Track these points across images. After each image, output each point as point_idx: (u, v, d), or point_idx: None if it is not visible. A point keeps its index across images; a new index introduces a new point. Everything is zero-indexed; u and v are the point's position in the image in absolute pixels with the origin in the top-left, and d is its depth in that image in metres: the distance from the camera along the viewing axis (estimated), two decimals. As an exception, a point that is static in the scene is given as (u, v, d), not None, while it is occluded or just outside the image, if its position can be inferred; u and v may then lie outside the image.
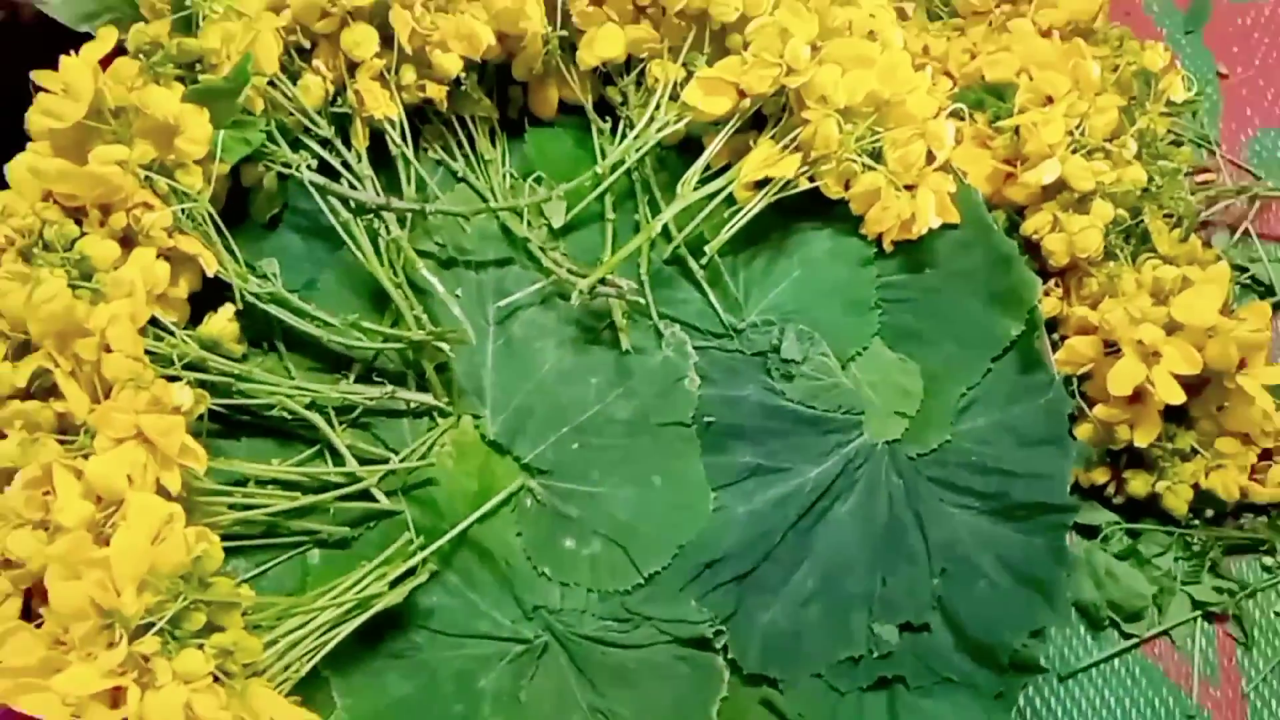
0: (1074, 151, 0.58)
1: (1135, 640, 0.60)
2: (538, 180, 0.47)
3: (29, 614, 0.37)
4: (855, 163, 0.44)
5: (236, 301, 0.42)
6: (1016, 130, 0.58)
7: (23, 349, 0.40)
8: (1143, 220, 0.60)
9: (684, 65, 0.46)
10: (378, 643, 0.41)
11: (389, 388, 0.43)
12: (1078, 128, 0.58)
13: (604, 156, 0.46)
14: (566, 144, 0.48)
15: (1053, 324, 0.59)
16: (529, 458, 0.43)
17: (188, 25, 0.43)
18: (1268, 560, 0.61)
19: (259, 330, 0.44)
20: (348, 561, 0.42)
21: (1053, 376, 0.46)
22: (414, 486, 0.43)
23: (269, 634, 0.38)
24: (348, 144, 0.45)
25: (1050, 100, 0.58)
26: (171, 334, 0.41)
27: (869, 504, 0.43)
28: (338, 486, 0.42)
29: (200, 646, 0.36)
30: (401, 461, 0.43)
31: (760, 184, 0.44)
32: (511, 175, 0.47)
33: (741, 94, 0.44)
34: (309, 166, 0.44)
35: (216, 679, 0.36)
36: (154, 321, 0.41)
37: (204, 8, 0.43)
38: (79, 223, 0.41)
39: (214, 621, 0.37)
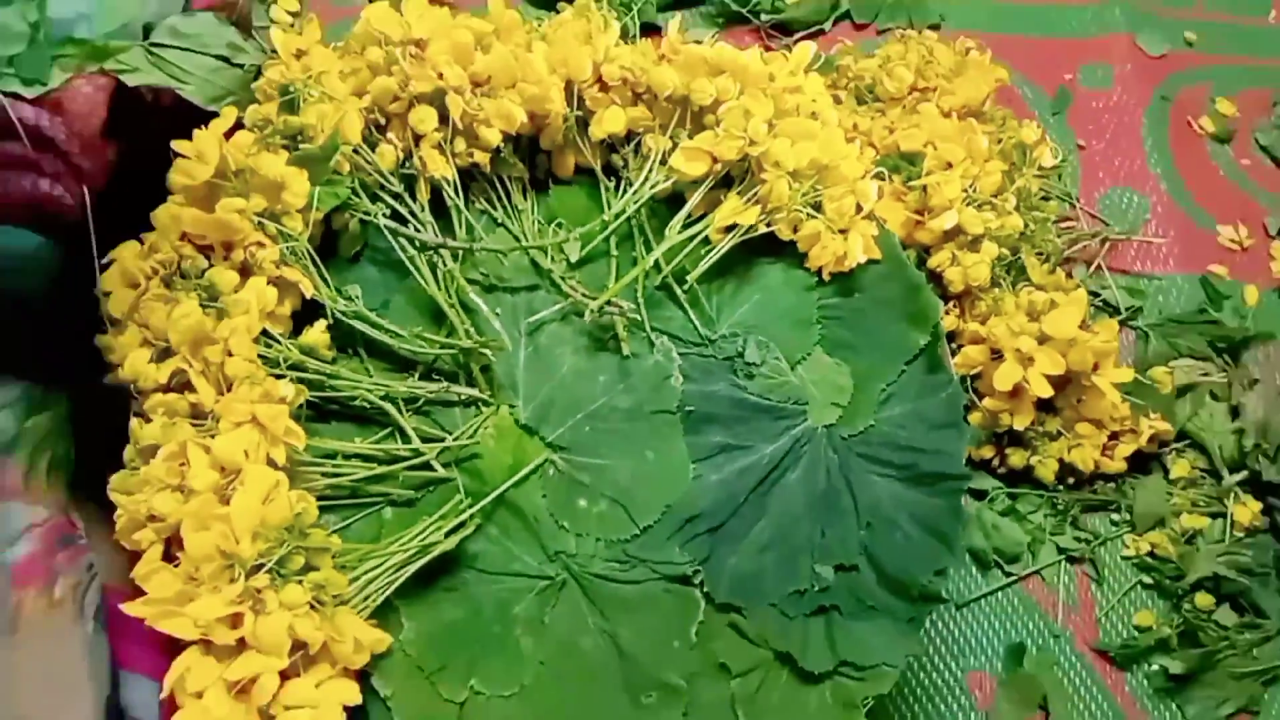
0: (968, 204, 0.58)
1: (1014, 577, 0.60)
2: (559, 225, 0.46)
3: (169, 557, 0.37)
4: (801, 213, 0.44)
5: (328, 317, 0.42)
6: (924, 189, 0.58)
7: (164, 353, 0.40)
8: (1020, 257, 0.61)
9: (671, 138, 0.46)
10: (435, 579, 0.41)
11: (444, 384, 0.43)
12: (971, 186, 0.59)
13: (610, 207, 0.46)
14: (581, 198, 0.48)
15: (952, 336, 0.60)
16: (552, 438, 0.43)
17: (292, 106, 0.43)
18: (1115, 517, 0.62)
19: (345, 339, 0.44)
20: (413, 517, 0.41)
21: (952, 376, 0.46)
22: (463, 459, 0.43)
23: (352, 573, 0.38)
24: (414, 197, 0.45)
25: (950, 165, 0.59)
26: (278, 342, 0.41)
27: (812, 474, 0.43)
28: (405, 459, 0.42)
29: (300, 582, 0.36)
30: (454, 440, 0.43)
31: (729, 228, 0.44)
32: (539, 221, 0.47)
33: (714, 160, 0.44)
34: (384, 214, 0.44)
35: (312, 607, 0.36)
36: (265, 333, 0.41)
37: (303, 93, 0.43)
38: (208, 257, 0.41)
39: (310, 563, 0.37)
